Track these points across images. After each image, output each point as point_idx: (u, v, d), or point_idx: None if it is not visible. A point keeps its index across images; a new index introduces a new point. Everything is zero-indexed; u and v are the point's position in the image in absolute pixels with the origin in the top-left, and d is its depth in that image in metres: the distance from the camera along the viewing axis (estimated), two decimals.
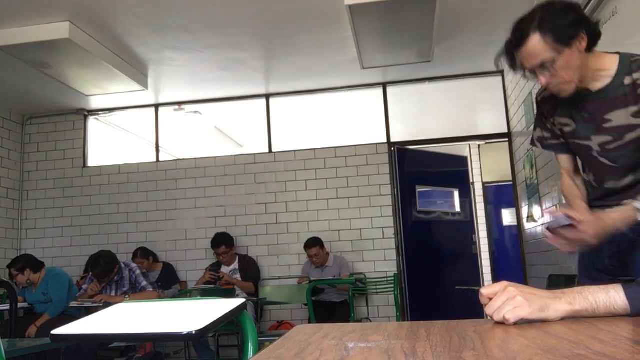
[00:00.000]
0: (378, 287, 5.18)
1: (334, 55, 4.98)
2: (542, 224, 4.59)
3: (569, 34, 1.50)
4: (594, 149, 1.66)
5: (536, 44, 1.51)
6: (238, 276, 5.15)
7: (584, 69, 1.56)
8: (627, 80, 1.55)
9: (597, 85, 1.60)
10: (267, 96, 5.97)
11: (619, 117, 1.58)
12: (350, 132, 5.94)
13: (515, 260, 6.44)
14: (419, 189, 5.90)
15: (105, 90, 5.27)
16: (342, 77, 5.55)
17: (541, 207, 4.54)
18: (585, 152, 1.71)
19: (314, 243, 5.17)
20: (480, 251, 7.37)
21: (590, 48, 1.55)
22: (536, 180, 4.63)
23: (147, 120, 6.19)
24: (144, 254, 5.45)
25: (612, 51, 1.63)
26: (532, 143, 1.91)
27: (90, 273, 4.50)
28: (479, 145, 7.72)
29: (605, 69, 1.58)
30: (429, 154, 6.07)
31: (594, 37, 1.55)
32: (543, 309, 0.88)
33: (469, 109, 6.19)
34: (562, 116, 1.74)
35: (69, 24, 4.09)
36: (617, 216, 1.58)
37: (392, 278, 5.14)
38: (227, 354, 5.45)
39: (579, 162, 1.85)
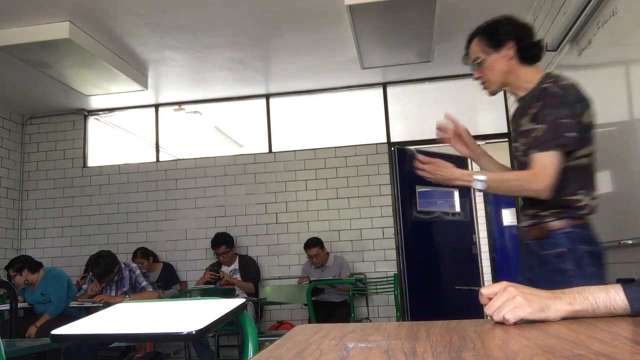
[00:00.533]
0: (378, 287, 5.18)
1: (334, 55, 4.97)
2: None
3: (497, 41, 1.84)
4: (519, 149, 1.88)
5: (474, 44, 1.91)
6: (238, 276, 5.15)
7: (510, 76, 1.85)
8: (537, 92, 1.77)
9: (521, 93, 1.87)
10: (267, 96, 5.97)
11: (525, 122, 1.81)
12: (350, 132, 5.94)
13: (515, 260, 6.44)
14: (419, 189, 5.90)
15: (105, 90, 5.27)
16: (342, 77, 5.54)
17: None
18: (515, 152, 1.93)
19: (313, 243, 5.16)
20: (480, 251, 7.34)
21: (524, 60, 1.83)
22: None
23: (147, 120, 6.19)
24: (144, 254, 5.45)
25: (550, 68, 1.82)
26: None
27: (90, 273, 4.50)
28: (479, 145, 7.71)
29: (530, 81, 1.83)
30: (429, 154, 6.04)
31: (525, 50, 1.83)
32: (543, 309, 0.88)
33: (469, 109, 6.18)
34: (513, 123, 1.99)
35: (69, 24, 4.09)
36: (457, 173, 1.81)
37: (392, 278, 5.14)
38: (227, 354, 5.45)
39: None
